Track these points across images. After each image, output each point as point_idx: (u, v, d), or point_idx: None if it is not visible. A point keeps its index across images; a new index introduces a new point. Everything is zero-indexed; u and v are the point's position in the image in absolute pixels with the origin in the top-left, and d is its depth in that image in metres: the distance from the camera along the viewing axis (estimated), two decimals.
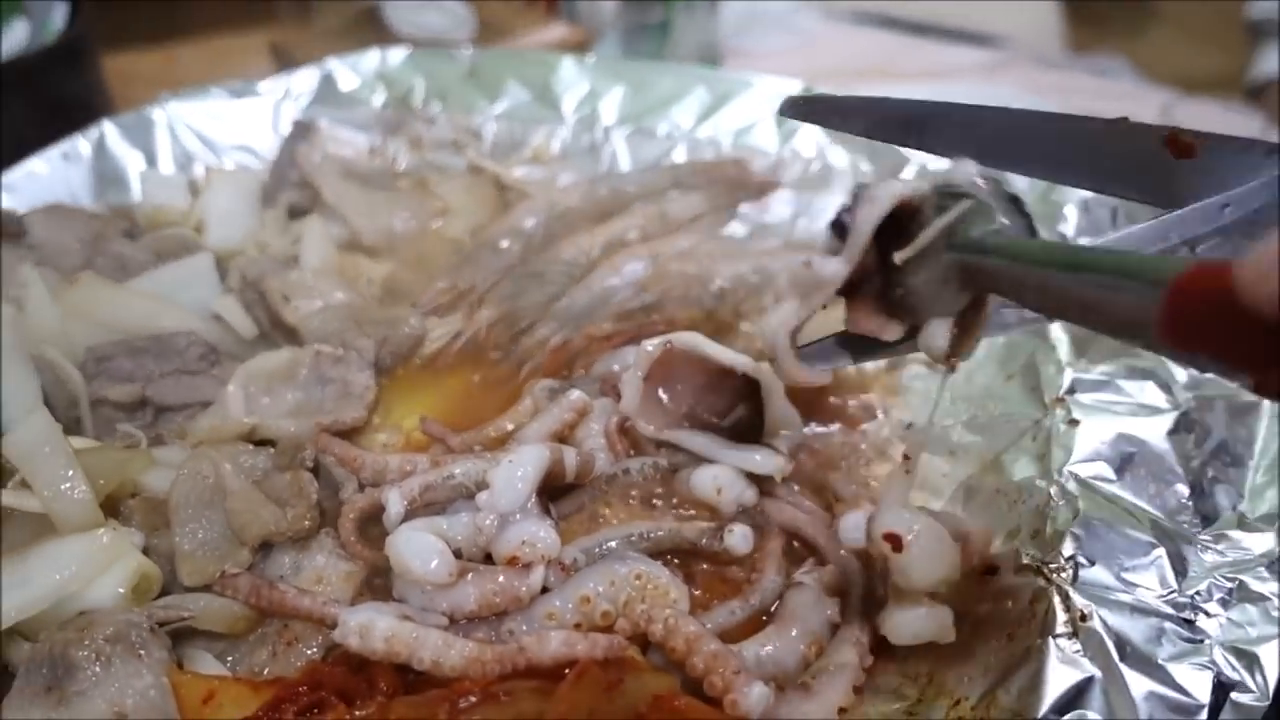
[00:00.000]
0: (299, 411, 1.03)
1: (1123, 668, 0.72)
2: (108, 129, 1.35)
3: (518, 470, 0.86)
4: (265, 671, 0.81)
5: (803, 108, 0.92)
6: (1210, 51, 2.63)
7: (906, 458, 0.80)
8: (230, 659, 0.83)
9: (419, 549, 0.80)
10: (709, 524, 0.90)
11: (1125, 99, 2.14)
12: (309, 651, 0.83)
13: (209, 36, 2.20)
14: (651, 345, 0.93)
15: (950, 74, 2.22)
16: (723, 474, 0.91)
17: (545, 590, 0.83)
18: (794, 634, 0.81)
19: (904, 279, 0.74)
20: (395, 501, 0.84)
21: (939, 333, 0.74)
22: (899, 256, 0.73)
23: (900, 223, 0.73)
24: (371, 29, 1.94)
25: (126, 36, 2.05)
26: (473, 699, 0.69)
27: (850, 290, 0.77)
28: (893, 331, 0.78)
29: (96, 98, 1.68)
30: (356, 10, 2.03)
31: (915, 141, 0.85)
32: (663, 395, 0.95)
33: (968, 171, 0.74)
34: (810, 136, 1.31)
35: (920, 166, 1.22)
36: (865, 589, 0.86)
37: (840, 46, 2.31)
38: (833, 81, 1.39)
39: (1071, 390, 0.94)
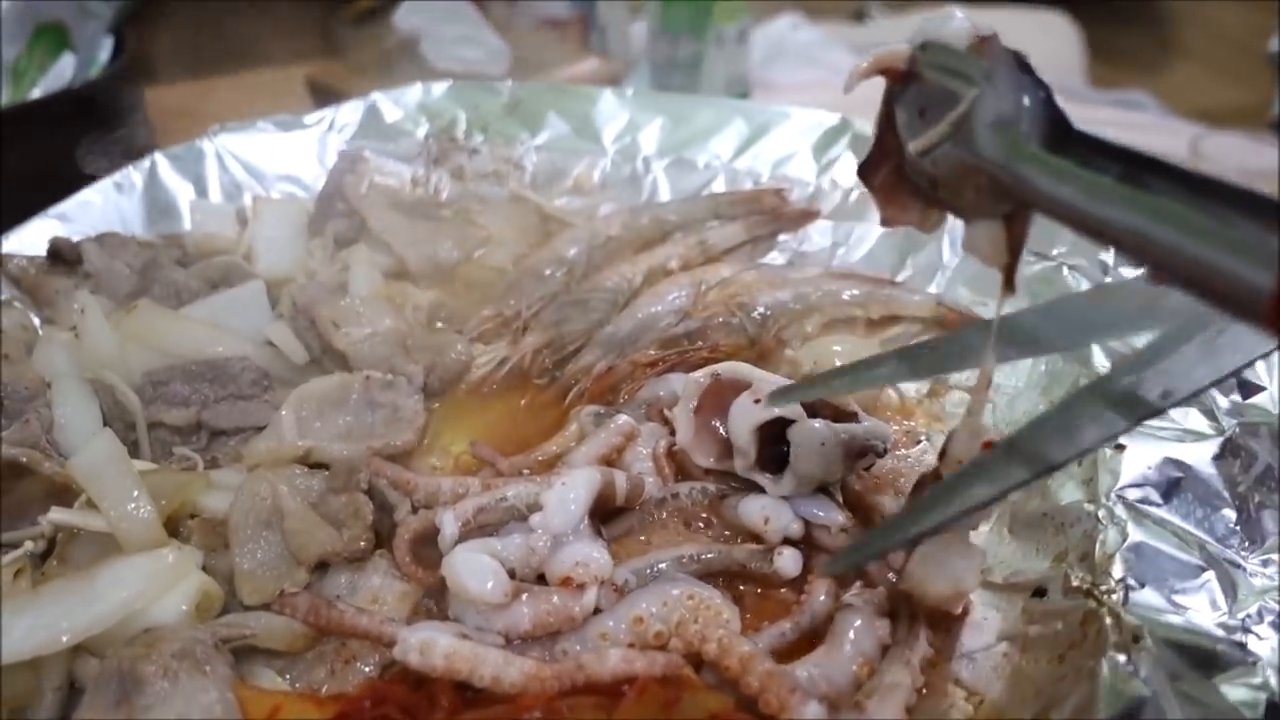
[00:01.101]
0: (350, 435, 1.05)
1: (1176, 689, 0.72)
2: (159, 160, 1.39)
3: (570, 492, 0.87)
4: (324, 689, 0.82)
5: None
6: (1233, 85, 2.65)
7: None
8: (289, 676, 0.84)
9: (475, 569, 0.81)
10: (758, 547, 0.91)
11: (1153, 131, 2.16)
12: (366, 669, 0.84)
13: (245, 72, 2.24)
14: (700, 376, 0.95)
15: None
16: (770, 505, 0.92)
17: (597, 611, 0.84)
18: (846, 654, 0.82)
19: (928, 170, 0.66)
20: (450, 523, 0.86)
21: (981, 238, 0.66)
22: (912, 147, 0.66)
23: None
24: (408, 64, 1.98)
25: (164, 72, 2.10)
26: (536, 714, 0.70)
27: (875, 177, 0.71)
28: (934, 221, 0.71)
29: (140, 130, 1.72)
30: (394, 45, 2.07)
31: None
32: (715, 424, 0.97)
33: (960, 28, 0.65)
34: (848, 167, 1.33)
35: None
36: (914, 610, 0.86)
37: (868, 80, 2.33)
38: (861, 114, 1.40)
39: None
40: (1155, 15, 3.10)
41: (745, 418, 0.92)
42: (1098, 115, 2.21)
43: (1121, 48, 2.89)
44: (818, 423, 0.91)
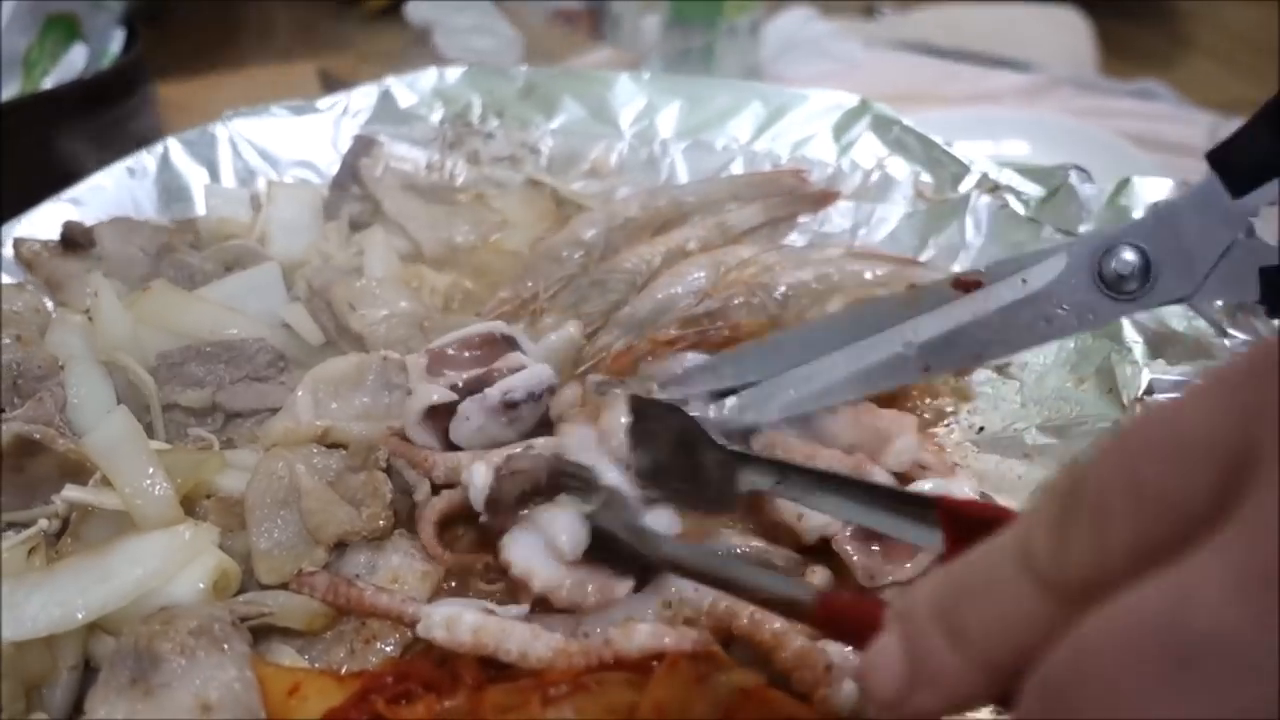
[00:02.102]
0: (366, 416, 1.03)
1: None
2: (172, 145, 1.37)
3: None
4: (344, 669, 0.81)
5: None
6: (1246, 80, 2.63)
7: None
8: (308, 656, 0.82)
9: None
10: (794, 554, 0.88)
11: (1170, 121, 2.14)
12: (387, 649, 0.82)
13: (256, 66, 2.23)
14: None
15: (992, 99, 2.22)
16: None
17: None
18: None
19: None
20: (481, 472, 0.84)
21: None
22: None
23: None
24: (421, 55, 1.97)
25: (173, 67, 2.09)
26: (564, 688, 0.68)
27: None
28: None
29: (151, 121, 1.72)
30: (406, 37, 2.06)
31: None
32: None
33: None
34: (869, 148, 1.31)
35: (981, 176, 1.22)
36: None
37: (880, 72, 2.32)
38: (880, 98, 1.39)
39: (1150, 391, 0.93)
40: (1166, 11, 3.09)
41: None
42: (1115, 105, 2.19)
43: (1133, 43, 2.87)
44: None
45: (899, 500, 0.70)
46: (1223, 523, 0.35)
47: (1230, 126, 1.98)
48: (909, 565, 0.83)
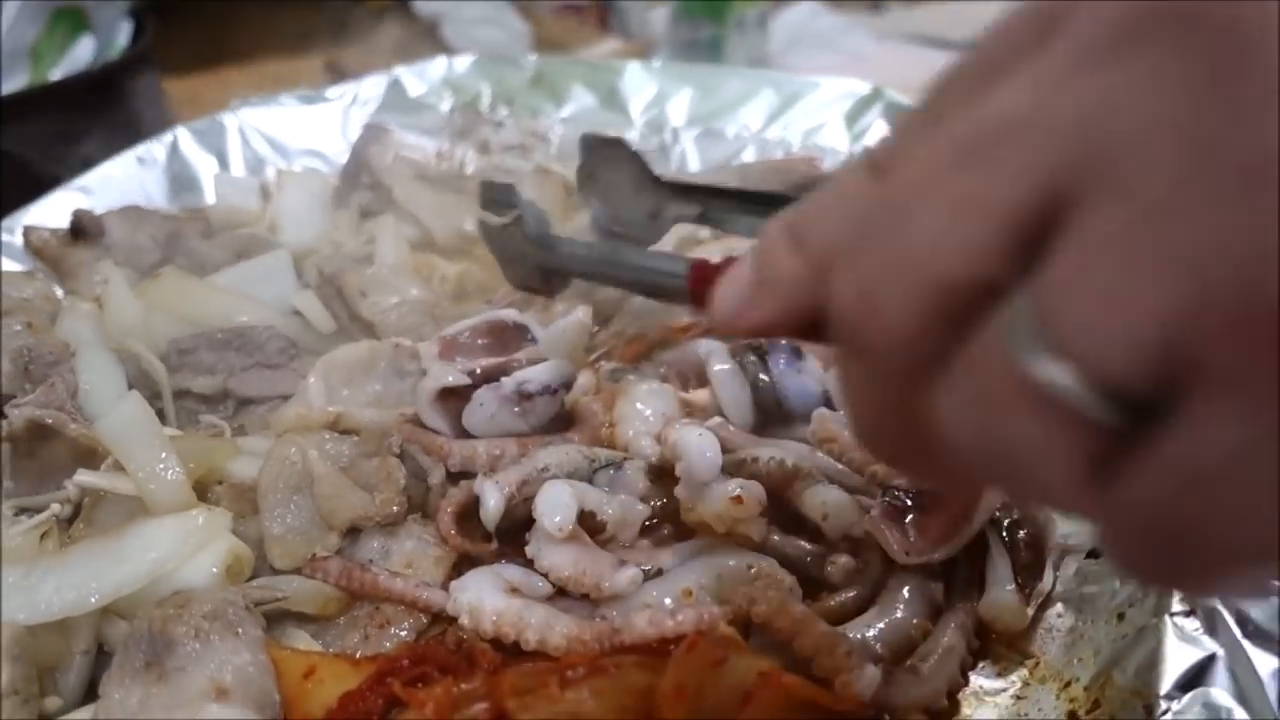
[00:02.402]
0: (378, 403, 1.02)
1: (1247, 644, 0.69)
2: (181, 134, 1.37)
3: (707, 441, 0.84)
4: (358, 654, 0.80)
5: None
6: None
7: None
8: (321, 641, 0.82)
9: (551, 499, 0.80)
10: (815, 547, 0.86)
11: None
12: (401, 633, 0.82)
13: (261, 60, 2.23)
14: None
15: None
16: (835, 500, 0.85)
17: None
18: (899, 616, 0.79)
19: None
20: (492, 493, 0.83)
21: None
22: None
23: None
24: (429, 47, 1.96)
25: (180, 60, 2.09)
26: (581, 671, 0.67)
27: None
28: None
29: (158, 113, 1.71)
30: (413, 29, 2.06)
31: None
32: None
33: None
34: (882, 135, 1.30)
35: None
36: (968, 574, 0.84)
37: (888, 65, 2.31)
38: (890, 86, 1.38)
39: None
40: None
41: None
42: None
43: None
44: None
45: None
46: (1030, 56, 0.36)
47: None
48: (945, 547, 0.82)
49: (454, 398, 0.96)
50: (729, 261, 0.54)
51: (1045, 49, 0.35)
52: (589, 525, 0.82)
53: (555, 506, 0.79)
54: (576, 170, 0.94)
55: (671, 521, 0.88)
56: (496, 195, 0.93)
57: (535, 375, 0.93)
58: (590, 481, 0.86)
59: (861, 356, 0.40)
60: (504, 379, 0.93)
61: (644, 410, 0.95)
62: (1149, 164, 0.30)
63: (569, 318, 1.10)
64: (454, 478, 0.93)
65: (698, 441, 0.83)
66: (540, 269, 0.89)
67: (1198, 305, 0.30)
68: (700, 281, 0.58)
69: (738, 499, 0.82)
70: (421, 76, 1.49)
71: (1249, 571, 0.34)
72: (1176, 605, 0.73)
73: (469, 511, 0.89)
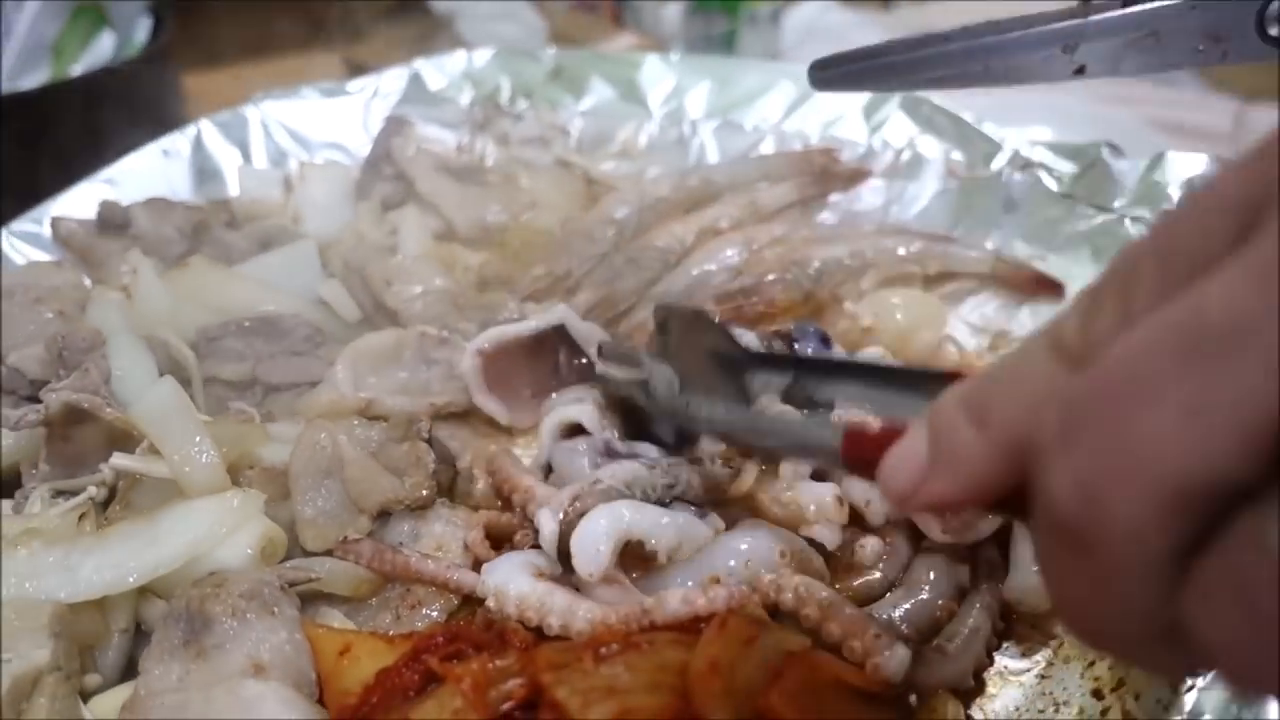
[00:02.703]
0: (404, 390, 1.04)
1: None
2: (204, 126, 1.38)
3: None
4: (391, 634, 0.81)
5: (831, 75, 0.96)
6: (1267, 70, 2.61)
7: None
8: (354, 622, 0.83)
9: (588, 538, 0.79)
10: (843, 530, 0.86)
11: (1194, 109, 2.13)
12: (432, 614, 0.83)
13: (278, 57, 2.24)
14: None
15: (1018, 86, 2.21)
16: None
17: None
18: (924, 597, 0.80)
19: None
20: (547, 521, 0.82)
21: None
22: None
23: None
24: (446, 42, 1.97)
25: (197, 57, 2.10)
26: (615, 647, 0.68)
27: None
28: None
29: (178, 109, 1.73)
30: (426, 26, 2.07)
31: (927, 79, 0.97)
32: None
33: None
34: (900, 127, 1.31)
35: (1013, 153, 1.22)
36: (992, 555, 0.85)
37: None
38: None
39: None
40: None
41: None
42: (1138, 92, 2.18)
43: None
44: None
45: (916, 379, 0.70)
46: (1239, 249, 0.35)
47: (1256, 111, 1.98)
48: (980, 527, 0.83)
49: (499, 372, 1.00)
50: (889, 432, 0.53)
51: (1257, 241, 0.34)
52: (642, 553, 0.81)
53: (589, 548, 0.78)
54: (652, 339, 0.93)
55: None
56: (617, 353, 0.94)
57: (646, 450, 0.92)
58: (655, 488, 0.85)
59: (1081, 552, 0.39)
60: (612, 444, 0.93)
61: None
62: None
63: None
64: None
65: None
66: (673, 428, 0.89)
67: None
68: (857, 448, 0.56)
69: (840, 501, 0.83)
70: (441, 70, 1.50)
71: None
72: None
73: (499, 537, 0.89)
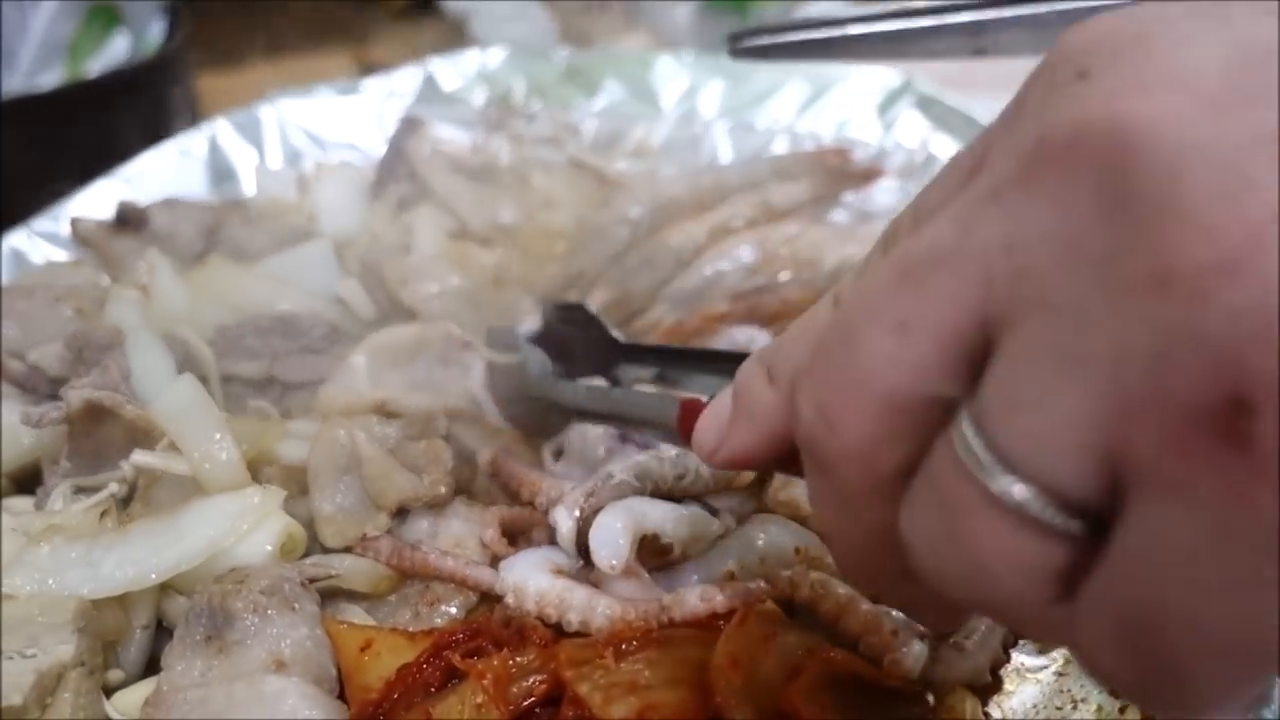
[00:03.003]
0: (420, 387, 1.04)
1: None
2: (220, 126, 1.39)
3: None
4: (410, 630, 0.81)
5: (753, 48, 1.00)
6: None
7: None
8: (374, 618, 0.83)
9: (605, 534, 0.79)
10: None
11: None
12: (451, 611, 0.83)
13: (289, 58, 2.24)
14: None
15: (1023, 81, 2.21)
16: None
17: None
18: None
19: None
20: (564, 520, 0.82)
21: None
22: None
23: None
24: (459, 42, 1.98)
25: (204, 58, 2.11)
26: (635, 643, 0.69)
27: None
28: None
29: (192, 109, 1.74)
30: (442, 25, 2.07)
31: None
32: None
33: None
34: (913, 126, 1.32)
35: None
36: None
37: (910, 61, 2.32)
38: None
39: None
40: None
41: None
42: None
43: None
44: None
45: None
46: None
47: None
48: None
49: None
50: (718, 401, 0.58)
51: (969, 185, 0.38)
52: (656, 547, 0.82)
53: (608, 541, 0.78)
54: (532, 332, 1.00)
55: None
56: (500, 338, 1.00)
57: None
58: (666, 479, 0.85)
59: (823, 473, 0.42)
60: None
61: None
62: (1061, 282, 0.33)
63: None
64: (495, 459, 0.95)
65: None
66: (542, 408, 0.94)
67: (1119, 409, 0.32)
68: (689, 418, 0.61)
69: None
70: (455, 70, 1.50)
71: (1224, 679, 0.34)
72: None
73: (515, 531, 0.90)
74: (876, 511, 0.41)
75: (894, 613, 0.78)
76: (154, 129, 1.52)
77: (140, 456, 0.87)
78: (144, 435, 0.90)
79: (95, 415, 0.90)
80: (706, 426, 0.54)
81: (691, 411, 0.62)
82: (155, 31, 1.78)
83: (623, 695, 0.63)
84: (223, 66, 2.13)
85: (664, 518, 0.83)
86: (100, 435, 0.91)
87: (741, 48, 1.01)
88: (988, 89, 2.06)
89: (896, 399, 0.38)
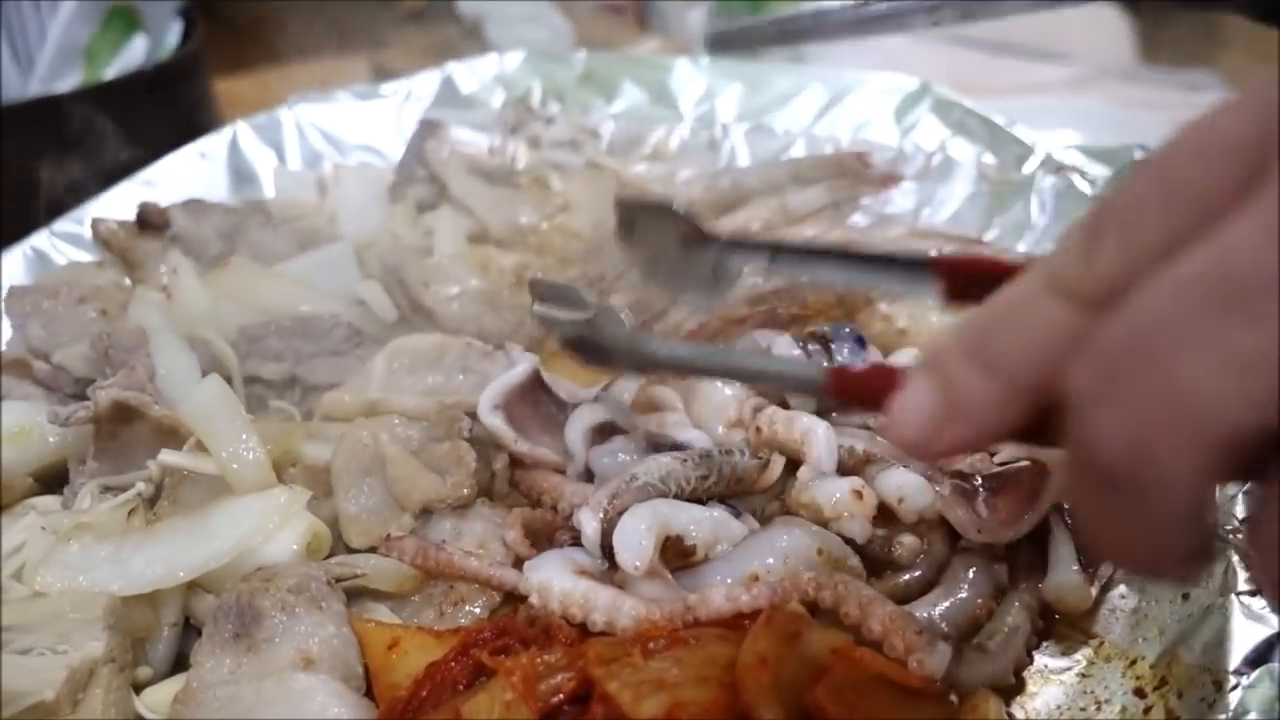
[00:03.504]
0: (433, 393, 1.04)
1: None
2: (240, 128, 1.40)
3: (832, 438, 0.88)
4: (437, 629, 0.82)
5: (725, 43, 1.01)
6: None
7: None
8: (399, 617, 0.84)
9: (629, 534, 0.80)
10: (880, 530, 0.87)
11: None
12: (475, 610, 0.84)
13: (305, 64, 2.25)
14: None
15: (1037, 90, 2.22)
16: (910, 484, 0.86)
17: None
18: (963, 596, 0.81)
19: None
20: (589, 521, 0.83)
21: None
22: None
23: None
24: (474, 47, 1.99)
25: (221, 63, 2.11)
26: (662, 642, 0.69)
27: None
28: None
29: (209, 112, 1.74)
30: (458, 30, 2.08)
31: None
32: None
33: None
34: (931, 130, 1.32)
35: (1045, 156, 1.23)
36: (1030, 556, 0.85)
37: (921, 65, 2.32)
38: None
39: None
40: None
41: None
42: (1162, 96, 2.18)
43: (1172, 41, 2.87)
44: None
45: (892, 263, 0.69)
46: (1251, 198, 0.36)
47: None
48: (1016, 526, 0.83)
49: (519, 404, 0.97)
50: (876, 370, 0.56)
51: (1263, 191, 0.36)
52: (680, 548, 0.82)
53: (631, 543, 0.79)
54: (617, 232, 0.91)
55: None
56: (557, 292, 0.84)
57: (685, 438, 0.93)
58: (689, 480, 0.86)
59: (1131, 499, 0.40)
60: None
61: (723, 391, 0.97)
62: None
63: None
64: (514, 464, 0.96)
65: (824, 434, 0.87)
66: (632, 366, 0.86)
67: None
68: (842, 382, 0.59)
69: (859, 494, 0.85)
70: (473, 73, 1.51)
71: None
72: (1242, 584, 0.74)
73: (535, 533, 0.90)
74: (1189, 526, 0.40)
75: (918, 614, 0.79)
76: (173, 131, 1.52)
77: (167, 456, 0.87)
78: (170, 435, 0.91)
79: (122, 415, 0.90)
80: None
81: (845, 375, 0.59)
82: (172, 35, 1.79)
83: (652, 692, 0.63)
84: (239, 72, 2.14)
85: (688, 519, 0.84)
86: (127, 435, 0.91)
87: (716, 41, 1.01)
88: (1005, 93, 2.07)
89: (1235, 436, 0.36)
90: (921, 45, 2.40)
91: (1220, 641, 0.72)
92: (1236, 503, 0.80)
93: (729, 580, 0.81)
